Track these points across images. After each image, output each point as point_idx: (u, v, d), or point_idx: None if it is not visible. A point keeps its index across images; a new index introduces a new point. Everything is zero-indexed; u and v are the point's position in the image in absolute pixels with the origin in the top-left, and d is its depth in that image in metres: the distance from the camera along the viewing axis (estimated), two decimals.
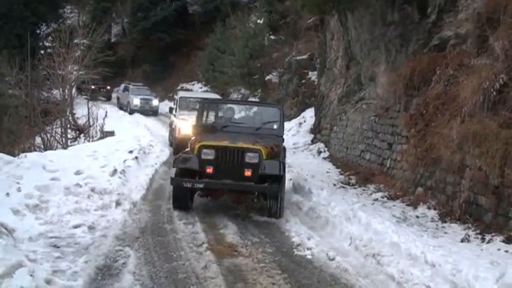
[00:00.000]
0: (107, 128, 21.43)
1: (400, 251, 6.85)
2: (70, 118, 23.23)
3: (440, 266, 6.14)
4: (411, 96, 11.45)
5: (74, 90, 24.84)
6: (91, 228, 7.34)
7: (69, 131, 22.45)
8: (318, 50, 21.25)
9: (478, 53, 9.61)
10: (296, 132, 20.60)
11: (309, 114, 20.90)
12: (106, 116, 23.27)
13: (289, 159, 13.09)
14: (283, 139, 10.55)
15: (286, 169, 10.24)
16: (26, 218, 7.28)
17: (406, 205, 10.31)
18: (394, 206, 10.38)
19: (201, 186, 8.91)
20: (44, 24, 43.84)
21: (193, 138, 10.03)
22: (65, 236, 6.89)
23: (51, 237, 6.76)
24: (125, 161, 12.21)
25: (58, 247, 6.43)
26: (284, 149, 10.54)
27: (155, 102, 34.63)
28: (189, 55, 44.72)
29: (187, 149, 9.80)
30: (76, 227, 7.30)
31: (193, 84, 40.89)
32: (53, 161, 10.47)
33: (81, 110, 25.33)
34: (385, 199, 10.94)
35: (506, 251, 7.28)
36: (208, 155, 9.01)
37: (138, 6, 46.30)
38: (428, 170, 10.23)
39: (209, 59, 35.86)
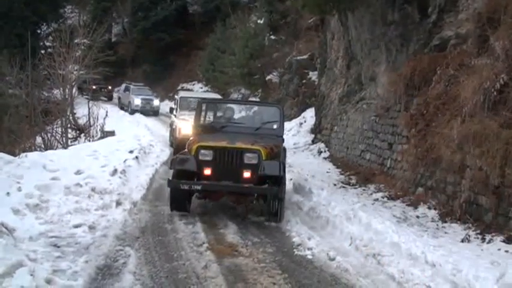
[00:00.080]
0: (107, 128, 21.43)
1: (400, 251, 6.84)
2: (70, 118, 23.25)
3: (441, 266, 6.14)
4: (412, 96, 11.45)
5: (74, 90, 24.85)
6: (91, 227, 7.34)
7: (69, 130, 22.47)
8: (318, 49, 21.25)
9: (478, 53, 9.61)
10: (296, 132, 20.61)
11: (310, 114, 20.90)
12: (106, 115, 23.26)
13: (289, 159, 13.08)
14: (283, 139, 10.32)
15: (287, 169, 10.16)
16: (27, 217, 7.28)
17: (407, 205, 10.31)
18: (395, 206, 10.37)
19: (199, 188, 8.68)
20: (44, 23, 43.84)
21: (190, 138, 9.84)
22: (65, 236, 6.90)
23: (52, 237, 6.76)
24: (125, 160, 12.20)
25: (58, 247, 6.43)
26: (284, 149, 10.32)
27: (156, 102, 34.65)
28: (190, 55, 44.76)
29: (184, 150, 9.55)
30: (76, 226, 7.30)
31: (193, 84, 40.90)
32: (53, 160, 10.47)
33: (81, 110, 25.33)
34: (385, 199, 10.94)
35: (507, 251, 7.27)
36: (206, 155, 8.78)
37: (138, 6, 46.34)
38: (429, 170, 10.22)
39: (209, 58, 35.89)
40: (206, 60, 36.75)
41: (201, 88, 38.33)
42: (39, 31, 42.68)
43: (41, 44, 39.83)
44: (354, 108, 15.70)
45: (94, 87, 36.80)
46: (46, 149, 17.68)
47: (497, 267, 6.34)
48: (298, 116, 21.83)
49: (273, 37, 30.55)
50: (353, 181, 13.14)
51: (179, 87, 39.76)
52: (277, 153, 9.38)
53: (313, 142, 19.00)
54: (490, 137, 8.08)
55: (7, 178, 8.52)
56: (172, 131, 18.51)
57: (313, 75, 22.36)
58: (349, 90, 16.23)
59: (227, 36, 33.64)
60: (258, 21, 31.84)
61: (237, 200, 9.49)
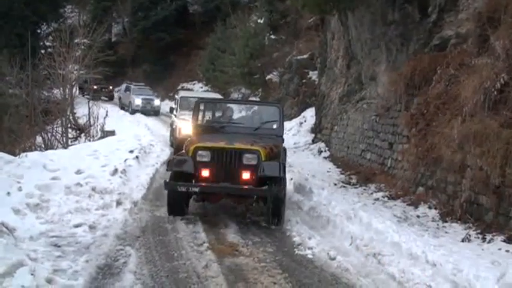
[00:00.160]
0: (107, 128, 21.44)
1: (401, 251, 6.84)
2: (71, 117, 23.26)
3: (441, 266, 6.14)
4: (412, 96, 11.45)
5: (74, 89, 24.86)
6: (92, 227, 7.34)
7: (69, 130, 22.49)
8: (318, 49, 21.26)
9: (478, 52, 9.61)
10: (297, 131, 20.61)
11: (310, 114, 20.91)
12: (107, 115, 23.27)
13: (289, 158, 13.08)
14: (283, 139, 10.09)
15: (287, 169, 10.10)
16: (27, 217, 7.28)
17: (407, 205, 10.31)
18: (395, 205, 10.37)
19: (197, 190, 8.44)
20: (44, 23, 43.87)
21: (188, 139, 9.68)
22: (66, 235, 6.90)
23: (52, 237, 6.76)
24: (125, 160, 12.21)
25: (59, 246, 6.43)
26: (284, 149, 10.15)
27: (157, 102, 34.61)
28: (190, 55, 44.78)
29: (182, 151, 9.38)
30: (77, 226, 7.30)
31: (193, 84, 40.91)
32: (53, 160, 10.47)
33: (81, 110, 25.35)
34: (385, 199, 10.94)
35: (507, 251, 7.28)
36: (204, 156, 8.53)
37: (138, 5, 46.34)
38: (429, 169, 10.22)
39: (210, 58, 35.89)
40: (206, 60, 36.76)
41: (201, 88, 38.35)
42: (39, 31, 42.71)
43: (41, 43, 39.88)
44: (354, 108, 15.71)
45: (95, 87, 36.88)
46: (46, 149, 17.69)
47: (498, 266, 6.35)
48: (299, 115, 21.83)
49: (273, 37, 30.57)
50: (353, 181, 13.14)
51: (179, 87, 39.82)
52: (277, 154, 9.18)
53: (314, 142, 19.01)
54: (490, 137, 8.08)
55: (7, 178, 8.52)
56: (173, 131, 18.47)
57: (314, 75, 22.37)
58: (349, 90, 16.24)
59: (227, 35, 33.66)
60: (258, 20, 31.85)
61: (237, 200, 9.28)
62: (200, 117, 10.59)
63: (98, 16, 43.33)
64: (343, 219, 8.39)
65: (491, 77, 8.51)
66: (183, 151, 9.20)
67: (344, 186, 12.56)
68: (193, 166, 8.46)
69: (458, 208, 8.89)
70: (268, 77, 28.37)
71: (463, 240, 7.88)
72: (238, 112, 12.02)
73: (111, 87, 42.72)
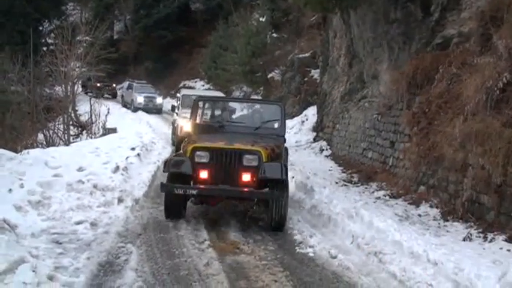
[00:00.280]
0: (109, 125, 21.44)
1: (402, 250, 6.83)
2: (72, 115, 23.25)
3: (443, 265, 6.13)
4: (414, 95, 11.44)
5: (76, 87, 24.86)
6: (93, 224, 7.36)
7: (71, 127, 22.46)
8: (320, 48, 21.24)
9: (481, 51, 9.60)
10: (298, 130, 20.61)
11: (311, 112, 20.90)
12: (108, 112, 23.26)
13: (291, 157, 13.06)
14: (284, 139, 9.77)
15: (288, 167, 9.80)
16: (29, 214, 7.29)
17: (409, 203, 10.30)
18: (397, 204, 10.36)
19: (194, 192, 8.08)
20: (46, 20, 43.81)
21: (186, 139, 9.35)
22: (67, 232, 6.91)
23: (54, 234, 6.77)
24: (127, 157, 12.22)
25: (60, 243, 6.45)
26: (286, 149, 9.84)
27: (159, 100, 34.60)
28: (192, 52, 44.75)
29: (179, 151, 9.10)
30: (78, 223, 7.31)
31: (195, 82, 40.88)
32: (55, 157, 10.48)
33: (83, 107, 25.33)
34: (387, 197, 10.93)
35: (509, 250, 7.27)
36: (202, 157, 8.19)
37: (140, 3, 46.33)
38: (431, 168, 10.22)
39: (211, 56, 35.88)
40: (208, 58, 36.74)
41: (203, 86, 38.34)
42: (41, 28, 42.66)
43: (43, 41, 39.86)
44: (356, 107, 15.70)
45: (98, 84, 36.90)
46: (48, 146, 17.68)
47: (499, 266, 6.35)
48: (300, 114, 21.84)
49: (275, 35, 30.52)
50: (355, 179, 13.14)
51: (181, 85, 39.83)
52: (279, 155, 8.91)
53: (315, 140, 19.00)
54: (492, 136, 8.06)
55: (9, 175, 8.53)
56: (175, 129, 18.44)
57: (315, 73, 22.35)
58: (351, 89, 16.23)
59: (229, 33, 33.64)
60: (260, 19, 31.80)
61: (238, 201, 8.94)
62: (199, 116, 10.25)
63: (99, 13, 43.39)
64: (344, 218, 8.39)
65: (493, 76, 8.50)
66: (181, 151, 8.92)
67: (345, 185, 12.55)
68: (191, 167, 8.14)
69: (460, 207, 8.89)
70: (270, 75, 28.36)
71: (464, 239, 7.88)
72: (238, 111, 11.88)
73: (114, 85, 42.73)
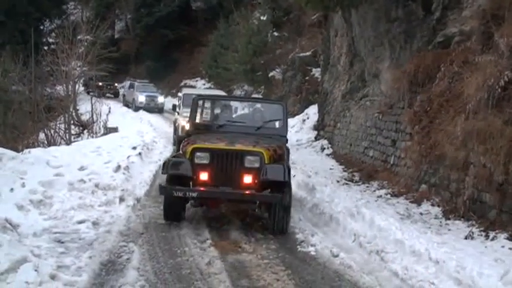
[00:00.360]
0: (110, 124, 21.46)
1: (404, 248, 6.83)
2: (73, 114, 23.28)
3: (445, 263, 6.13)
4: (415, 93, 11.43)
5: (77, 86, 24.90)
6: (95, 223, 7.36)
7: (72, 126, 22.49)
8: (321, 46, 21.23)
9: (482, 50, 9.58)
10: (299, 128, 20.61)
11: (312, 111, 20.90)
12: (109, 112, 23.29)
13: (292, 155, 12.98)
14: (286, 139, 9.48)
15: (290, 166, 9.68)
16: (30, 213, 7.30)
17: (410, 202, 10.30)
18: (398, 203, 10.37)
19: (194, 195, 7.81)
20: (47, 20, 43.91)
21: (185, 139, 9.05)
22: (69, 232, 6.91)
23: (56, 233, 6.77)
24: (128, 157, 12.21)
25: (62, 242, 6.45)
26: (287, 149, 9.45)
27: (161, 99, 34.53)
28: (193, 51, 44.77)
29: (179, 152, 8.90)
30: (80, 222, 7.31)
31: (196, 81, 40.93)
32: (56, 156, 10.49)
33: (84, 106, 25.36)
34: (388, 196, 10.93)
35: (510, 248, 7.25)
36: (203, 159, 7.91)
37: (141, 2, 46.35)
38: (432, 167, 10.21)
39: (212, 55, 35.90)
40: (209, 57, 36.76)
41: (204, 85, 38.38)
42: (42, 27, 42.78)
43: (44, 40, 39.89)
44: (357, 105, 15.69)
45: (100, 84, 36.94)
46: (49, 145, 17.71)
47: (501, 264, 6.36)
48: (301, 112, 21.83)
49: (276, 34, 30.50)
50: (356, 178, 13.14)
51: (182, 84, 39.85)
52: (281, 156, 8.64)
53: (316, 139, 18.99)
54: (494, 134, 8.06)
55: (11, 174, 8.54)
56: (176, 129, 18.40)
57: (316, 72, 22.34)
58: (352, 87, 16.22)
59: (230, 32, 33.63)
60: (261, 17, 31.77)
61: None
62: (198, 115, 9.98)
63: (100, 12, 43.51)
64: (346, 217, 8.38)
65: (495, 74, 8.48)
66: (180, 152, 8.71)
67: (347, 184, 12.56)
68: (190, 169, 7.88)
69: (462, 205, 8.88)
70: (271, 74, 28.34)
71: (466, 238, 7.88)
72: (239, 110, 11.76)
73: (116, 84, 42.74)
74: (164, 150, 16.35)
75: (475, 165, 8.59)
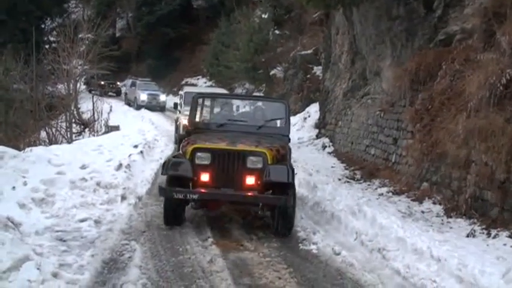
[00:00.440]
0: (111, 123, 21.46)
1: (405, 246, 6.83)
2: (75, 112, 23.30)
3: (446, 261, 6.13)
4: (417, 91, 11.42)
5: (78, 84, 24.91)
6: (97, 222, 7.36)
7: (74, 125, 22.51)
8: (322, 44, 21.22)
9: (484, 47, 9.57)
10: (301, 127, 20.61)
11: (314, 109, 20.90)
12: (111, 110, 23.30)
13: (294, 154, 12.93)
14: (289, 139, 9.22)
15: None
16: (32, 211, 7.30)
17: (412, 200, 10.30)
18: (400, 201, 10.37)
19: (195, 197, 7.56)
20: (48, 18, 43.91)
21: (185, 139, 8.83)
22: (71, 230, 6.92)
23: (58, 231, 6.77)
24: (130, 155, 12.21)
25: (64, 241, 6.46)
26: (289, 149, 9.23)
27: (162, 97, 34.43)
28: (194, 50, 44.78)
29: (178, 152, 8.66)
30: (82, 221, 7.31)
31: (197, 79, 40.94)
32: (58, 155, 10.48)
33: (85, 105, 25.36)
34: (390, 194, 10.93)
35: None
36: (203, 159, 7.68)
37: (142, 0, 46.43)
38: (434, 165, 10.21)
39: (214, 53, 35.92)
40: (210, 55, 36.78)
41: (205, 83, 38.40)
42: (43, 26, 42.74)
43: (45, 38, 39.87)
44: (358, 103, 15.68)
45: (102, 82, 36.92)
46: (50, 144, 17.71)
47: (503, 262, 6.36)
48: (303, 110, 21.83)
49: (277, 32, 30.51)
50: (358, 176, 13.14)
51: (183, 82, 39.87)
52: (284, 156, 8.41)
53: (318, 137, 18.99)
54: (495, 132, 8.06)
55: (12, 172, 8.53)
56: (177, 127, 18.38)
57: (318, 70, 22.33)
58: (353, 85, 16.21)
59: (231, 31, 33.65)
60: (263, 15, 31.80)
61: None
62: (198, 113, 9.71)
63: (102, 11, 43.52)
64: (347, 215, 8.39)
65: (496, 72, 8.48)
66: (180, 152, 8.49)
67: (348, 182, 12.56)
68: (191, 169, 7.64)
69: (463, 203, 8.88)
70: (272, 72, 28.33)
71: (467, 236, 7.88)
72: (240, 108, 11.63)
73: (118, 83, 42.73)
74: (166, 148, 16.35)
75: (477, 163, 8.59)
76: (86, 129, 22.81)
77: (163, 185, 7.91)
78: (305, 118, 21.10)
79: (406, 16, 12.44)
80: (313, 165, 14.00)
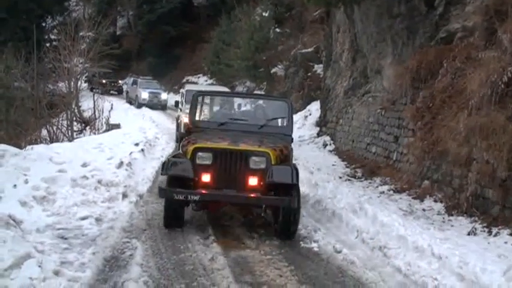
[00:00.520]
0: (112, 121, 21.48)
1: (407, 244, 6.83)
2: (76, 110, 23.33)
3: (447, 259, 6.13)
4: (418, 89, 11.41)
5: (79, 82, 24.94)
6: (98, 220, 7.38)
7: (74, 123, 22.54)
8: (323, 42, 21.18)
9: (485, 45, 9.57)
10: (302, 125, 20.59)
11: (315, 107, 20.89)
12: (112, 108, 23.32)
13: (294, 152, 12.90)
14: (292, 139, 8.95)
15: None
16: (34, 209, 7.31)
17: (413, 198, 10.30)
18: (401, 199, 10.37)
19: (197, 198, 7.28)
20: (49, 16, 43.94)
21: (185, 138, 8.59)
22: (72, 228, 6.93)
23: (59, 229, 6.78)
24: (131, 153, 12.23)
25: (66, 238, 6.46)
26: (291, 149, 8.92)
27: (164, 96, 34.34)
28: (195, 48, 44.78)
29: (178, 152, 8.46)
30: (83, 218, 7.33)
31: (198, 77, 40.93)
32: (59, 153, 10.48)
33: (86, 103, 25.39)
34: (391, 192, 10.93)
35: None
36: (205, 159, 7.45)
37: None
38: (435, 163, 10.21)
39: (214, 51, 35.89)
40: (211, 53, 36.76)
41: (206, 81, 38.39)
42: (44, 24, 42.77)
43: (46, 37, 39.96)
44: (359, 101, 15.67)
45: (104, 81, 36.90)
46: (51, 142, 17.76)
47: (504, 260, 6.37)
48: (303, 109, 21.82)
49: (278, 30, 30.46)
50: (359, 174, 13.14)
51: (184, 80, 39.86)
52: (287, 156, 8.20)
53: (319, 135, 18.98)
54: (497, 130, 8.06)
55: (14, 170, 8.53)
56: (178, 125, 18.37)
57: (319, 68, 22.30)
58: (354, 83, 16.20)
59: (232, 29, 33.62)
60: (263, 14, 31.77)
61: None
62: (198, 112, 9.45)
63: (102, 9, 43.47)
64: (348, 213, 8.39)
65: (498, 70, 8.47)
66: (180, 151, 8.29)
67: (349, 180, 12.56)
68: (192, 170, 7.40)
69: (464, 201, 8.87)
70: (273, 70, 28.32)
71: (469, 234, 7.88)
72: (241, 107, 11.51)
73: (120, 81, 42.70)
74: (167, 146, 16.37)
75: (478, 161, 8.58)
76: (87, 127, 22.84)
77: (163, 186, 7.69)
78: (306, 116, 21.09)
79: (407, 14, 12.42)
80: (314, 163, 14.00)
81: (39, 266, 5.05)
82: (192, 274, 5.87)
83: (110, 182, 9.27)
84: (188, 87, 20.76)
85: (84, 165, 10.01)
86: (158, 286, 5.48)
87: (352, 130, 16.01)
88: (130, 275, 5.56)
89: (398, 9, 12.69)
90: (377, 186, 11.56)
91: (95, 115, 23.40)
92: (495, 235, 7.68)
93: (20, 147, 11.49)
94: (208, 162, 7.48)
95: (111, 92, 39.08)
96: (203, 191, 7.36)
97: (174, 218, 7.63)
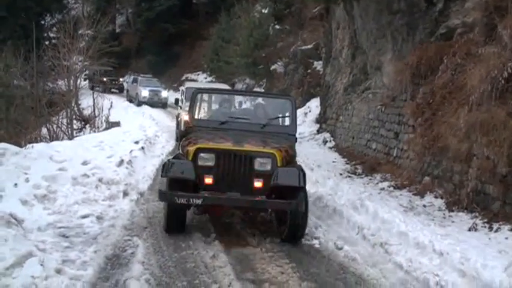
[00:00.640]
0: (112, 119, 21.47)
1: (408, 240, 6.84)
2: (75, 109, 23.32)
3: (448, 255, 6.14)
4: (418, 85, 11.41)
5: (79, 80, 24.94)
6: (99, 218, 7.38)
7: (74, 121, 22.53)
8: (323, 39, 21.17)
9: (485, 41, 9.56)
10: (302, 122, 20.55)
11: (314, 104, 20.90)
12: (111, 106, 23.31)
13: None
14: (296, 138, 8.57)
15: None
16: (35, 208, 7.31)
17: (413, 194, 10.30)
18: (401, 195, 10.37)
19: (199, 202, 6.91)
20: (48, 14, 43.88)
21: (185, 138, 8.15)
22: (74, 226, 6.92)
23: (60, 227, 6.78)
24: (131, 151, 12.23)
25: (67, 237, 6.46)
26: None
27: (164, 94, 34.28)
28: (194, 45, 44.72)
29: (179, 152, 8.15)
30: (84, 217, 7.32)
31: (198, 75, 40.90)
32: (59, 151, 10.48)
33: (86, 101, 25.38)
34: (391, 188, 10.93)
35: None
36: (207, 160, 7.10)
37: None
38: (435, 159, 10.21)
39: (214, 49, 35.89)
40: (210, 51, 36.76)
41: (206, 78, 38.35)
42: (43, 22, 42.71)
43: (45, 35, 39.85)
44: (359, 98, 15.67)
45: (104, 79, 36.86)
46: (51, 140, 17.74)
47: (505, 255, 6.37)
48: (303, 105, 21.82)
49: (277, 27, 30.45)
50: (359, 171, 13.14)
51: (183, 78, 39.84)
52: (293, 157, 7.86)
53: (319, 132, 18.99)
54: (497, 126, 8.06)
55: (14, 169, 8.52)
56: (179, 123, 18.34)
57: (318, 65, 22.32)
58: (354, 80, 16.19)
59: (232, 26, 33.61)
60: (263, 10, 31.76)
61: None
62: (198, 110, 9.04)
63: (101, 7, 43.48)
64: (349, 209, 8.40)
65: (498, 66, 8.46)
66: (180, 152, 7.94)
67: (350, 176, 12.56)
68: (194, 172, 7.04)
69: (465, 197, 8.88)
70: (272, 67, 28.30)
71: (469, 230, 7.88)
72: (242, 105, 11.39)
73: (121, 79, 42.66)
74: (167, 144, 16.38)
75: (478, 157, 8.58)
76: (87, 126, 22.84)
77: (163, 189, 7.29)
78: (306, 113, 21.10)
79: (407, 10, 12.40)
80: (314, 160, 14.00)
81: (41, 265, 5.05)
82: (194, 272, 5.87)
83: (111, 180, 9.27)
84: (188, 84, 20.65)
85: (85, 163, 10.00)
86: (160, 284, 5.48)
87: (352, 127, 16.01)
88: (132, 273, 5.56)
89: (398, 5, 12.67)
90: (377, 183, 11.56)
91: (95, 113, 23.39)
92: (496, 231, 7.68)
93: (20, 146, 11.47)
94: (210, 163, 7.13)
95: (112, 90, 39.05)
96: (206, 195, 7.02)
97: (175, 223, 7.32)
